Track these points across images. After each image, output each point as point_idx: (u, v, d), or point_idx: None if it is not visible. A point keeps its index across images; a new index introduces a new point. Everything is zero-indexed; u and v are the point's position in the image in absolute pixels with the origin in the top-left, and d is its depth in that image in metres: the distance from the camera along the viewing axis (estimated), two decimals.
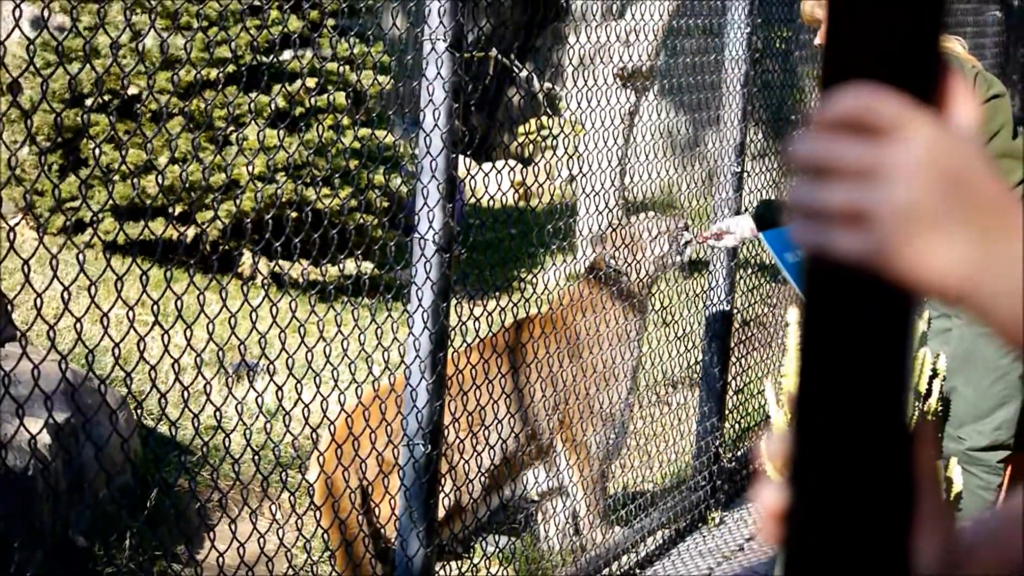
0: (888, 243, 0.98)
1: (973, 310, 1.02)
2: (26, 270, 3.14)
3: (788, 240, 2.89)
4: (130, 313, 3.49)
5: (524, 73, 10.56)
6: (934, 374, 5.16)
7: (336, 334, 4.33)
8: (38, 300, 3.22)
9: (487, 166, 10.68)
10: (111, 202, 7.84)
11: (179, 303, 3.65)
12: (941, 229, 0.99)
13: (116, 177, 7.77)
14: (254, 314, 3.89)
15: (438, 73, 4.30)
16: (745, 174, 6.65)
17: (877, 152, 0.99)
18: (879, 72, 0.99)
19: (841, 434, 0.99)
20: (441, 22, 4.28)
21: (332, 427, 4.77)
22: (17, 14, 3.14)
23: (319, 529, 4.84)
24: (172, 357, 3.67)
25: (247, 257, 8.07)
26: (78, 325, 3.52)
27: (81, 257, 3.27)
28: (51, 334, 3.27)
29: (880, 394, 0.99)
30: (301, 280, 7.34)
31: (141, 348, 3.54)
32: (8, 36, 3.25)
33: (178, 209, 7.86)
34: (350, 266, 7.46)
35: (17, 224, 3.20)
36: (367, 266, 6.72)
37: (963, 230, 1.00)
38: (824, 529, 1.00)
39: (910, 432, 1.00)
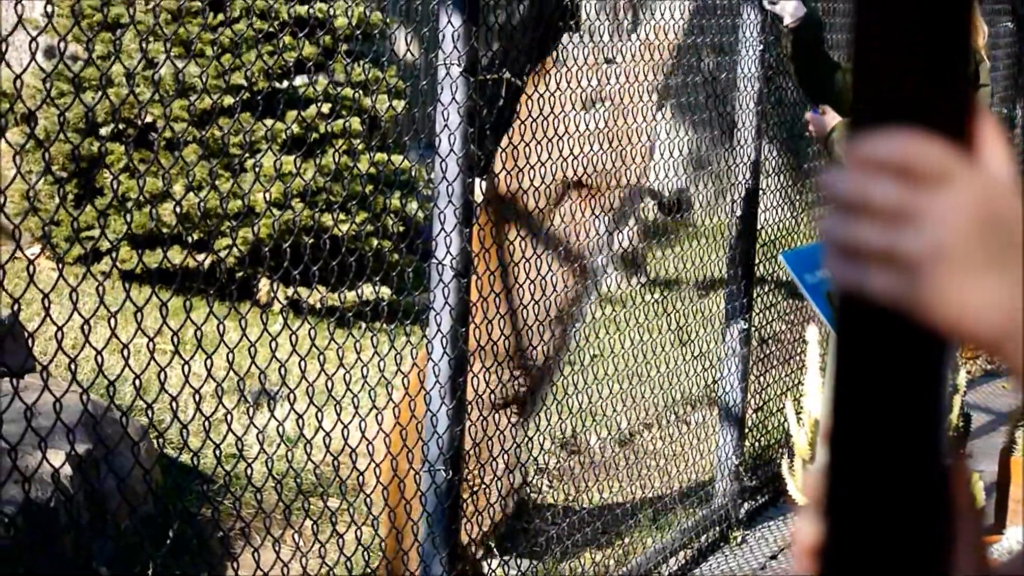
0: (922, 286, 0.98)
1: (1008, 356, 1.02)
2: (46, 303, 3.15)
3: (808, 260, 2.87)
4: (149, 343, 3.49)
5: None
6: (954, 389, 5.15)
7: (356, 361, 4.34)
8: (58, 333, 3.22)
9: None
10: (128, 231, 7.85)
11: (199, 333, 3.65)
12: (976, 273, 0.99)
13: (132, 206, 7.78)
14: (273, 342, 3.90)
15: (453, 98, 4.30)
16: (760, 191, 6.64)
17: (917, 197, 0.99)
18: (911, 111, 0.98)
19: (876, 472, 0.99)
20: (455, 47, 4.29)
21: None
22: (33, 47, 3.16)
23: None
24: (192, 387, 3.68)
25: (265, 284, 8.07)
26: (98, 357, 3.52)
27: (100, 290, 3.28)
28: (72, 367, 3.27)
29: (915, 431, 0.99)
30: (319, 306, 7.34)
31: (162, 379, 3.55)
32: (25, 69, 3.26)
33: (195, 237, 7.87)
34: (367, 291, 7.46)
35: (37, 258, 3.21)
36: (385, 291, 6.72)
37: (998, 275, 0.99)
38: (860, 565, 1.00)
39: (946, 468, 1.00)
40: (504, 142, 5.43)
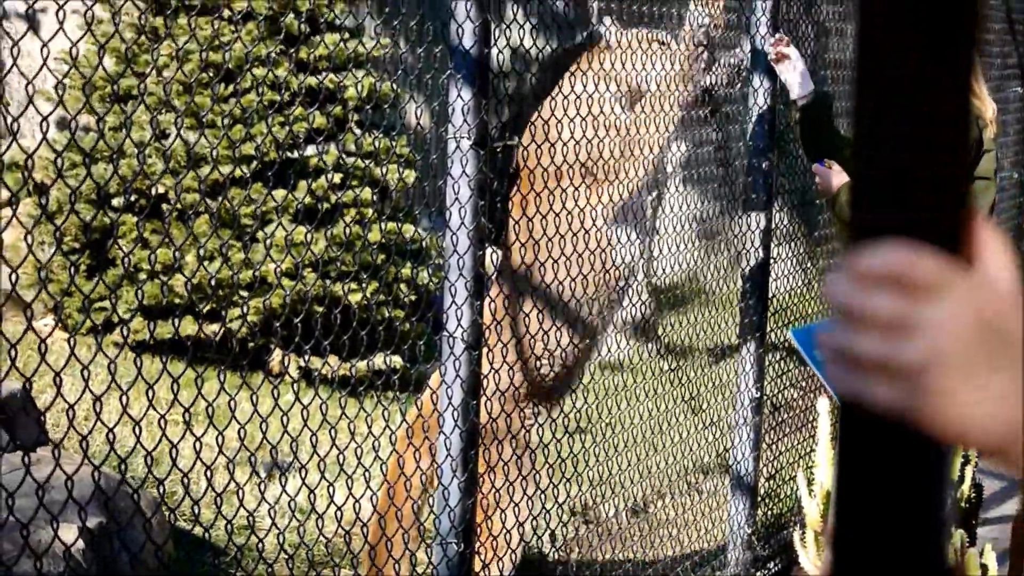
0: (923, 396, 0.98)
1: (1012, 461, 1.02)
2: (58, 382, 3.16)
3: (816, 337, 2.86)
4: (160, 419, 3.49)
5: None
6: (966, 460, 5.13)
7: (368, 433, 4.33)
8: (70, 411, 3.23)
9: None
10: (140, 303, 7.86)
11: (210, 408, 3.65)
12: (976, 380, 0.99)
13: (144, 277, 7.80)
14: (285, 416, 3.90)
15: (463, 171, 4.31)
16: (772, 259, 6.65)
17: (913, 309, 0.99)
18: (910, 222, 0.99)
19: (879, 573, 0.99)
20: (465, 120, 4.31)
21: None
22: (44, 126, 3.18)
23: None
24: (204, 463, 3.68)
25: (277, 354, 8.08)
26: (110, 432, 3.52)
27: (113, 368, 3.28)
28: (83, 444, 3.28)
29: (916, 537, 0.99)
30: (331, 376, 7.35)
31: (173, 455, 3.54)
32: (40, 145, 3.29)
33: (207, 308, 7.89)
34: (379, 361, 7.47)
35: (51, 334, 3.21)
36: (397, 360, 6.72)
37: (999, 380, 0.99)
38: None
39: (949, 570, 1.00)
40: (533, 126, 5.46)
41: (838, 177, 5.57)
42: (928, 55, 0.99)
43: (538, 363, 5.35)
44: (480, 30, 4.31)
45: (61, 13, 3.02)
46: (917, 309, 0.99)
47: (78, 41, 3.31)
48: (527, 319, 5.29)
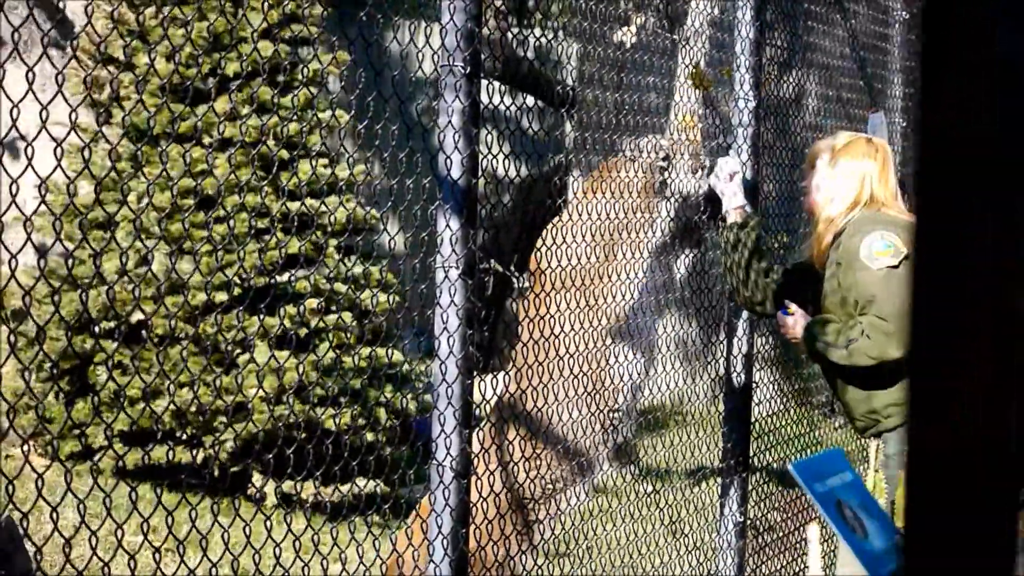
0: None
1: None
2: (55, 517, 3.16)
3: (817, 470, 2.87)
4: (156, 551, 3.49)
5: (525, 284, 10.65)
6: None
7: (358, 563, 4.32)
8: (65, 546, 3.22)
9: (488, 378, 10.71)
10: (119, 428, 7.84)
11: (203, 540, 3.65)
12: None
13: (124, 403, 7.78)
14: (278, 546, 3.89)
15: (451, 300, 4.34)
16: (754, 384, 6.67)
17: None
18: None
19: None
20: (453, 250, 4.35)
21: None
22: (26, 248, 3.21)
23: None
24: None
25: (257, 478, 8.05)
26: (104, 567, 3.52)
27: (96, 495, 3.28)
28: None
29: None
30: (313, 501, 7.33)
31: None
32: (12, 276, 3.31)
33: (188, 433, 7.87)
34: (362, 484, 7.45)
35: (29, 456, 3.22)
36: (376, 485, 6.72)
37: None
38: None
39: None
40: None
41: (799, 319, 5.55)
42: None
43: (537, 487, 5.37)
44: (468, 160, 4.36)
45: (32, 145, 3.02)
46: None
47: (51, 173, 3.33)
48: (533, 442, 5.32)
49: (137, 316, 8.07)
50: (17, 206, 3.02)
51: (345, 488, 7.26)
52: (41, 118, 2.98)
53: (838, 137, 5.69)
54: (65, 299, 7.80)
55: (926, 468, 1.05)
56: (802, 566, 7.42)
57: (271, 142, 8.14)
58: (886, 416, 5.36)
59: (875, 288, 5.24)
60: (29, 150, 2.98)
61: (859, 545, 3.09)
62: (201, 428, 7.89)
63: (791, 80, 7.73)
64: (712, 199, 6.05)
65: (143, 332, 8.14)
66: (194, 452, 7.78)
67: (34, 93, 2.99)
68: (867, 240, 5.31)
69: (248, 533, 3.77)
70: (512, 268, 10.79)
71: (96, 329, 8.10)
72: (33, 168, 3.06)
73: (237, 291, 7.81)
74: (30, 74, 3.01)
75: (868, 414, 5.41)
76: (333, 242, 8.31)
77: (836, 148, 5.58)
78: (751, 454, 6.68)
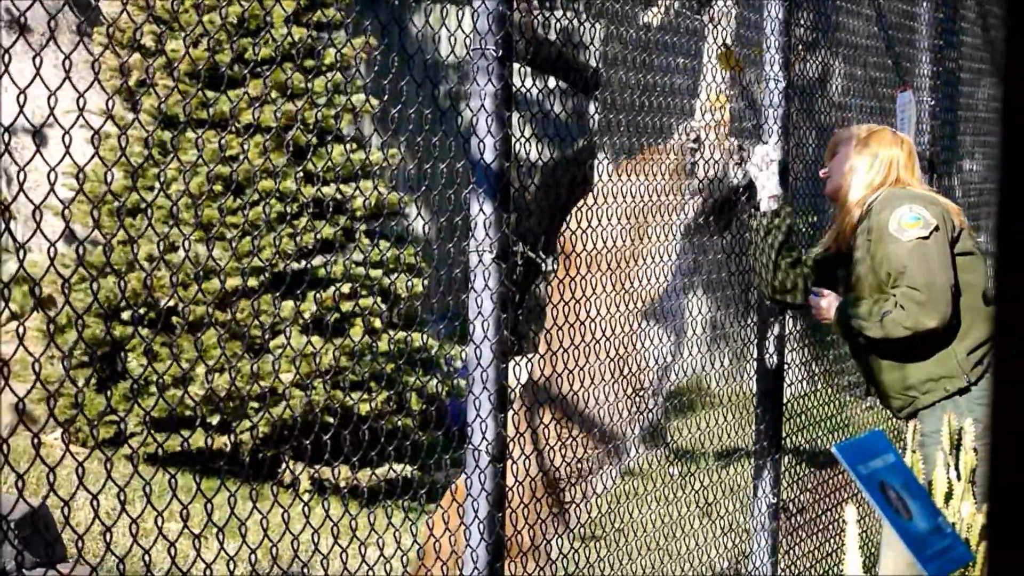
0: None
1: None
2: (95, 505, 3.16)
3: (860, 452, 2.86)
4: (197, 537, 3.49)
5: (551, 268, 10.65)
6: None
7: (395, 548, 4.32)
8: (107, 534, 3.23)
9: (518, 361, 10.71)
10: (148, 415, 7.84)
11: (243, 525, 3.65)
12: None
13: (154, 389, 7.80)
14: (316, 532, 3.90)
15: (486, 285, 4.33)
16: (785, 365, 6.65)
17: None
18: None
19: None
20: (487, 234, 4.33)
21: None
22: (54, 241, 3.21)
23: None
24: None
25: (290, 464, 8.06)
26: (129, 544, 3.52)
27: (130, 482, 3.28)
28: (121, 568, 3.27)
29: None
30: (345, 485, 7.33)
31: (183, 568, 3.53)
32: (51, 265, 3.31)
33: (216, 419, 7.88)
34: (393, 469, 7.46)
35: (66, 452, 3.20)
36: (408, 469, 6.72)
37: None
38: None
39: None
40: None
41: (830, 299, 5.56)
42: None
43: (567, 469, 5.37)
44: (501, 144, 4.35)
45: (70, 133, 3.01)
46: None
47: (88, 163, 3.32)
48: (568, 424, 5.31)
49: (169, 302, 8.08)
50: (55, 194, 3.02)
51: (381, 472, 7.27)
52: (78, 105, 2.98)
53: (860, 128, 5.73)
54: (93, 287, 7.79)
55: (1011, 461, 1.04)
56: (835, 547, 7.41)
57: (301, 128, 8.15)
58: (924, 392, 5.35)
59: (906, 259, 5.25)
60: (66, 138, 2.97)
61: (904, 526, 3.08)
62: (231, 414, 7.90)
63: (819, 60, 7.70)
64: (749, 185, 6.04)
65: (173, 319, 8.15)
66: (226, 438, 7.79)
67: (70, 80, 2.98)
68: (896, 213, 5.32)
69: (287, 519, 3.77)
70: (539, 251, 10.79)
71: (127, 316, 8.11)
72: (71, 155, 3.06)
73: (268, 276, 7.81)
74: (67, 62, 3.01)
75: (905, 391, 5.40)
76: (363, 227, 8.31)
77: (861, 136, 5.61)
78: (784, 436, 6.66)
